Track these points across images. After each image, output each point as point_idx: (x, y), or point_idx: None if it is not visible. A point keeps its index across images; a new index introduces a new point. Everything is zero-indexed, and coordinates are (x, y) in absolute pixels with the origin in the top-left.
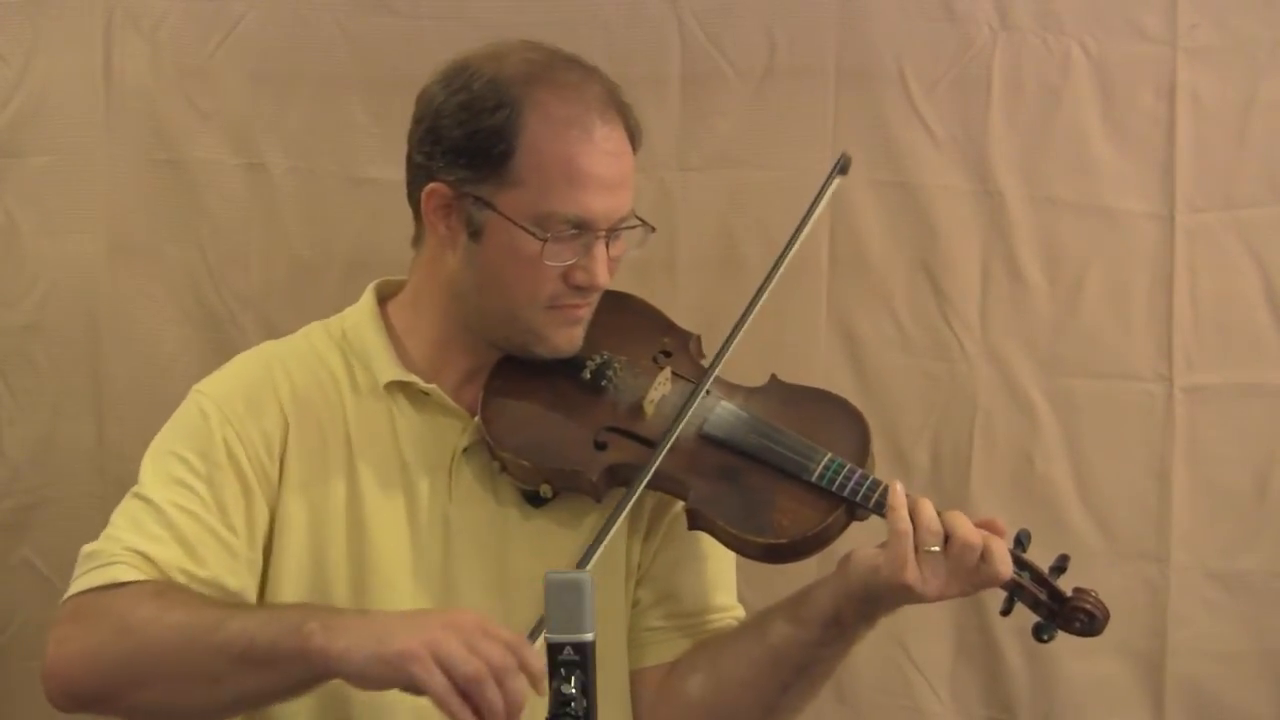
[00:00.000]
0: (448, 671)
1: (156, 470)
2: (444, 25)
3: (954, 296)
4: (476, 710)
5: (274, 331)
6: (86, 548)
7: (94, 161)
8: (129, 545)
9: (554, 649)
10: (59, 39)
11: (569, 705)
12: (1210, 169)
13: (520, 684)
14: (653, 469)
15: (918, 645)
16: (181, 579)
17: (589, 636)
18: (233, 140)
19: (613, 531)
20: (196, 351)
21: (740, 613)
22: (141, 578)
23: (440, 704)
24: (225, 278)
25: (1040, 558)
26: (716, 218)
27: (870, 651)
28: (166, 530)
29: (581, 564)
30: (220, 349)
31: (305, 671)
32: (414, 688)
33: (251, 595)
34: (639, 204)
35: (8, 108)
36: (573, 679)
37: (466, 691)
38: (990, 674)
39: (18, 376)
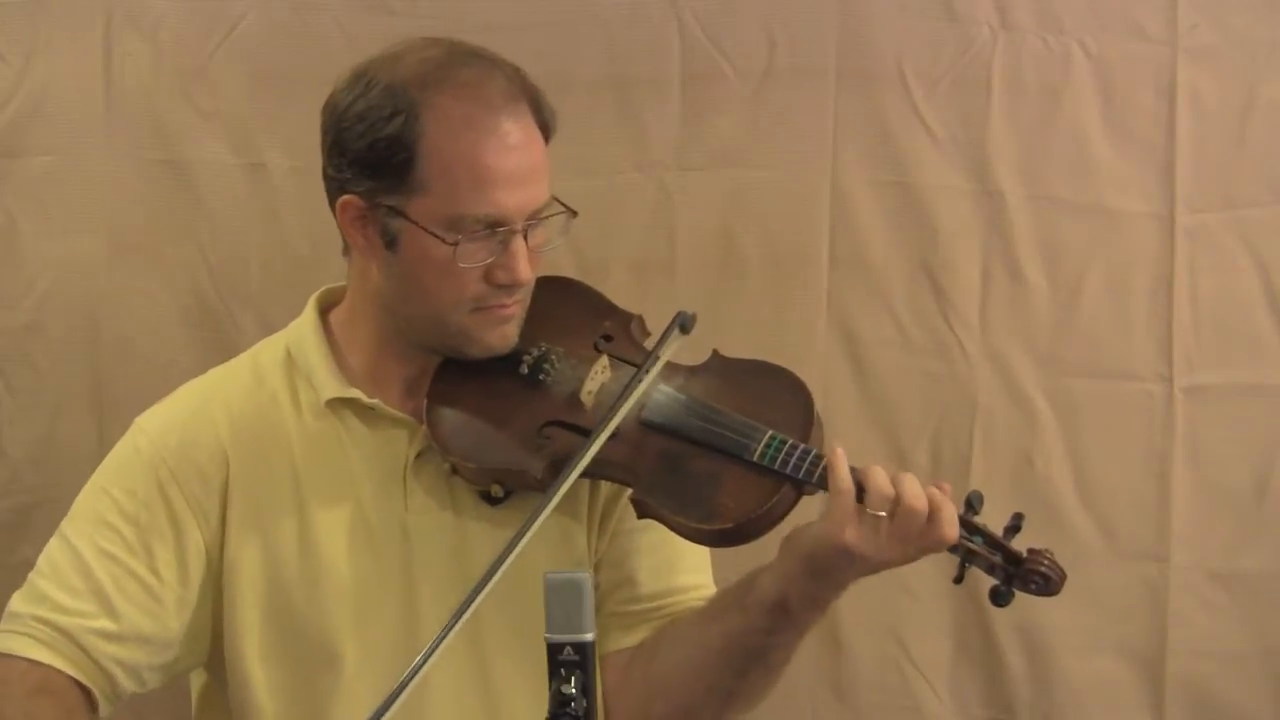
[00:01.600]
0: None
1: (86, 508)
2: (444, 25)
3: (954, 296)
4: None
5: (274, 331)
6: (11, 603)
7: (94, 161)
8: (38, 611)
9: (554, 649)
10: (59, 39)
11: (569, 705)
12: (1210, 169)
13: None
14: (581, 465)
15: (918, 645)
16: (93, 638)
17: (589, 636)
18: (233, 140)
19: (537, 523)
20: (196, 351)
21: (709, 591)
22: (42, 656)
23: None
24: (225, 278)
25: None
26: (716, 218)
27: (870, 651)
28: (83, 581)
29: (495, 566)
30: (220, 349)
31: None
32: None
33: (178, 634)
34: (638, 203)
35: (8, 108)
36: (573, 679)
37: None
38: (990, 674)
39: (18, 376)
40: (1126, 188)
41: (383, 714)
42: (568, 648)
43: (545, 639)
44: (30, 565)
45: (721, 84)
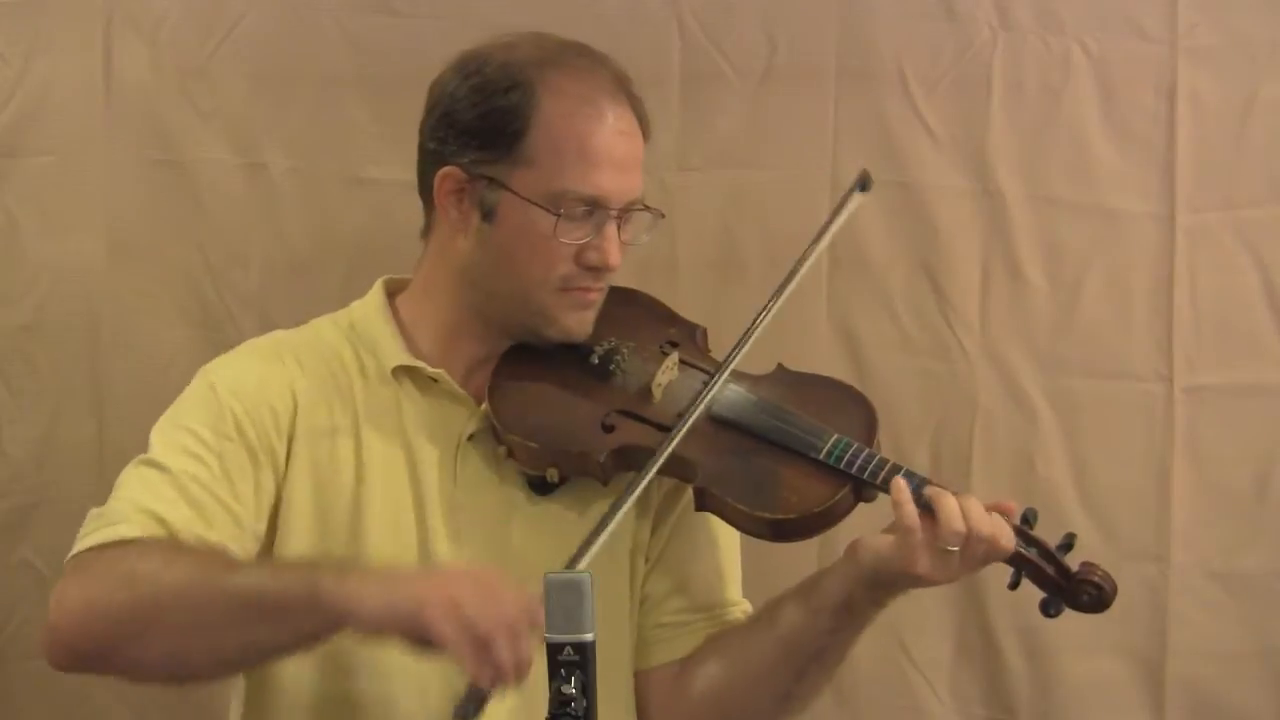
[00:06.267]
0: (460, 623)
1: (165, 441)
2: (444, 25)
3: (954, 296)
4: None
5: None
6: (94, 509)
7: (94, 161)
8: (140, 505)
9: (554, 649)
10: (59, 39)
11: (569, 705)
12: (1210, 169)
13: (529, 645)
14: (669, 450)
15: (918, 645)
16: (191, 540)
17: (589, 636)
18: (233, 140)
19: (619, 516)
20: (196, 351)
21: (748, 607)
22: (148, 535)
23: (454, 652)
24: (225, 278)
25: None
26: (716, 218)
27: (870, 651)
28: (178, 494)
29: (582, 551)
30: (220, 349)
31: (315, 620)
32: (425, 638)
33: None
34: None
35: (8, 108)
36: (573, 679)
37: (477, 645)
38: (990, 674)
39: (18, 376)
40: (1126, 188)
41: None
42: (568, 648)
43: (545, 639)
44: (30, 565)
45: (721, 84)
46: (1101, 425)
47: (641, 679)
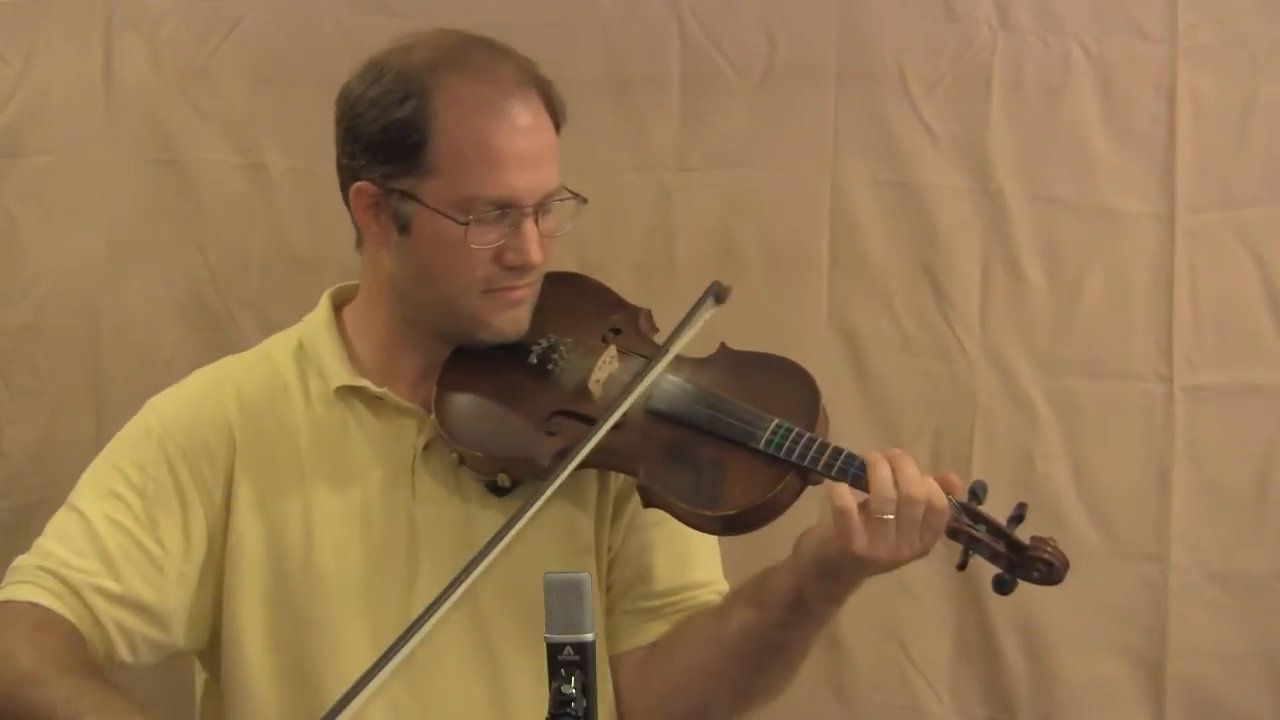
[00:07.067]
0: None
1: (94, 481)
2: (444, 25)
3: (954, 296)
4: None
5: (274, 331)
6: (14, 562)
7: (94, 161)
8: (44, 564)
9: (554, 649)
10: (59, 39)
11: (569, 705)
12: (1210, 169)
13: None
14: (585, 452)
15: (918, 645)
16: (94, 595)
17: (589, 636)
18: (233, 140)
19: (531, 511)
20: (196, 351)
21: (723, 586)
22: (45, 601)
23: None
24: (225, 278)
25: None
26: (716, 218)
27: (870, 651)
28: (89, 543)
29: (491, 545)
30: (220, 349)
31: None
32: None
33: (177, 608)
34: (637, 203)
35: (8, 108)
36: (573, 679)
37: None
38: (990, 674)
39: (18, 376)
40: (1126, 188)
41: (357, 691)
42: (568, 648)
43: (545, 639)
44: None
45: (721, 84)
46: (1101, 425)
47: (612, 663)
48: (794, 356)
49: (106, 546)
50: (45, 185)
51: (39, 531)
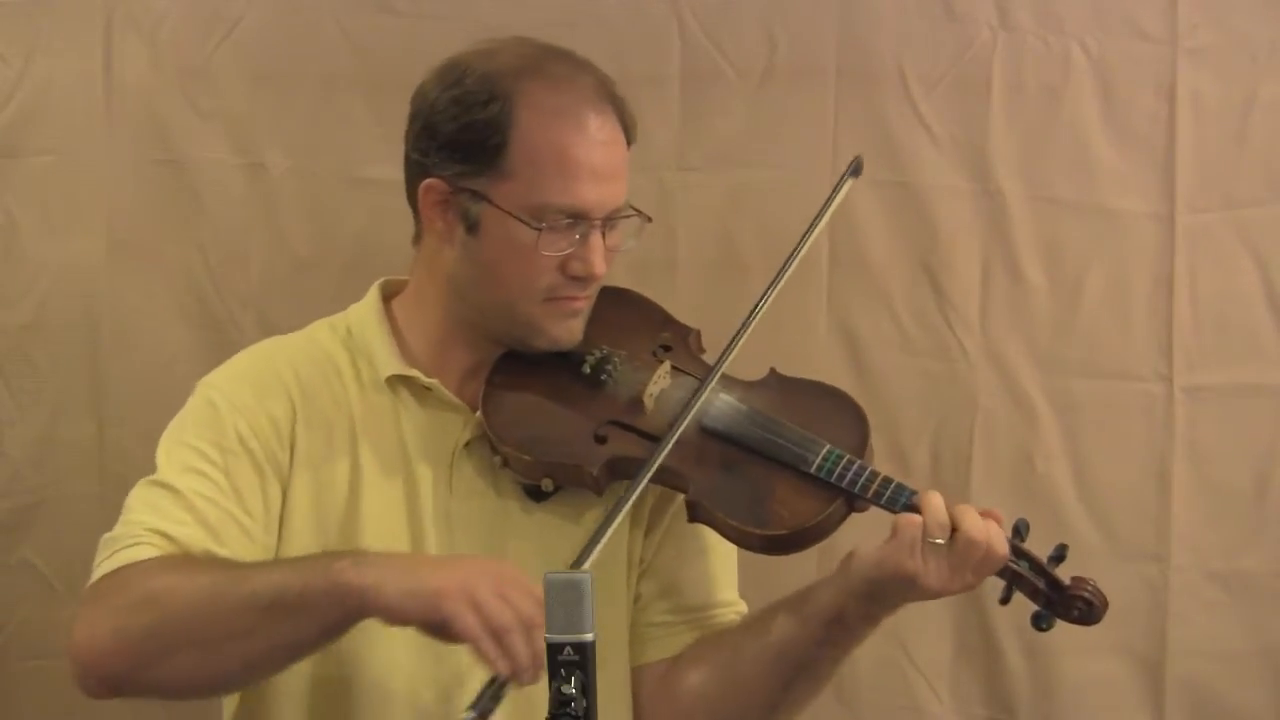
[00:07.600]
0: (479, 614)
1: (171, 460)
2: (444, 25)
3: (954, 296)
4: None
5: (274, 331)
6: (107, 535)
7: (94, 161)
8: (150, 527)
9: (554, 649)
10: (59, 39)
11: (569, 705)
12: (1210, 169)
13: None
14: (656, 464)
15: (918, 645)
16: (203, 554)
17: (589, 637)
18: (233, 140)
19: (612, 529)
20: (196, 351)
21: (742, 608)
22: (162, 555)
23: (472, 643)
24: (225, 278)
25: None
26: (716, 218)
27: (870, 651)
28: (188, 514)
29: (579, 561)
30: (220, 349)
31: (338, 611)
32: (444, 628)
33: None
34: (638, 203)
35: (8, 108)
36: (573, 679)
37: (496, 637)
38: (990, 674)
39: (18, 376)
40: (1126, 188)
41: None
42: (568, 648)
43: (545, 639)
44: (30, 565)
45: (721, 84)
46: (1101, 425)
47: (633, 675)
48: (794, 356)
49: (205, 516)
50: (45, 185)
51: (39, 531)
